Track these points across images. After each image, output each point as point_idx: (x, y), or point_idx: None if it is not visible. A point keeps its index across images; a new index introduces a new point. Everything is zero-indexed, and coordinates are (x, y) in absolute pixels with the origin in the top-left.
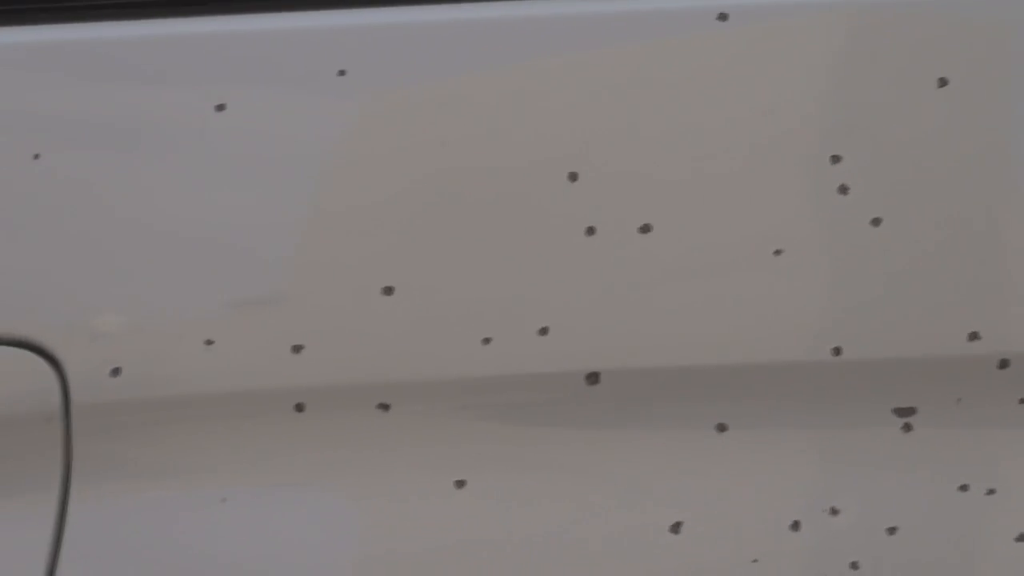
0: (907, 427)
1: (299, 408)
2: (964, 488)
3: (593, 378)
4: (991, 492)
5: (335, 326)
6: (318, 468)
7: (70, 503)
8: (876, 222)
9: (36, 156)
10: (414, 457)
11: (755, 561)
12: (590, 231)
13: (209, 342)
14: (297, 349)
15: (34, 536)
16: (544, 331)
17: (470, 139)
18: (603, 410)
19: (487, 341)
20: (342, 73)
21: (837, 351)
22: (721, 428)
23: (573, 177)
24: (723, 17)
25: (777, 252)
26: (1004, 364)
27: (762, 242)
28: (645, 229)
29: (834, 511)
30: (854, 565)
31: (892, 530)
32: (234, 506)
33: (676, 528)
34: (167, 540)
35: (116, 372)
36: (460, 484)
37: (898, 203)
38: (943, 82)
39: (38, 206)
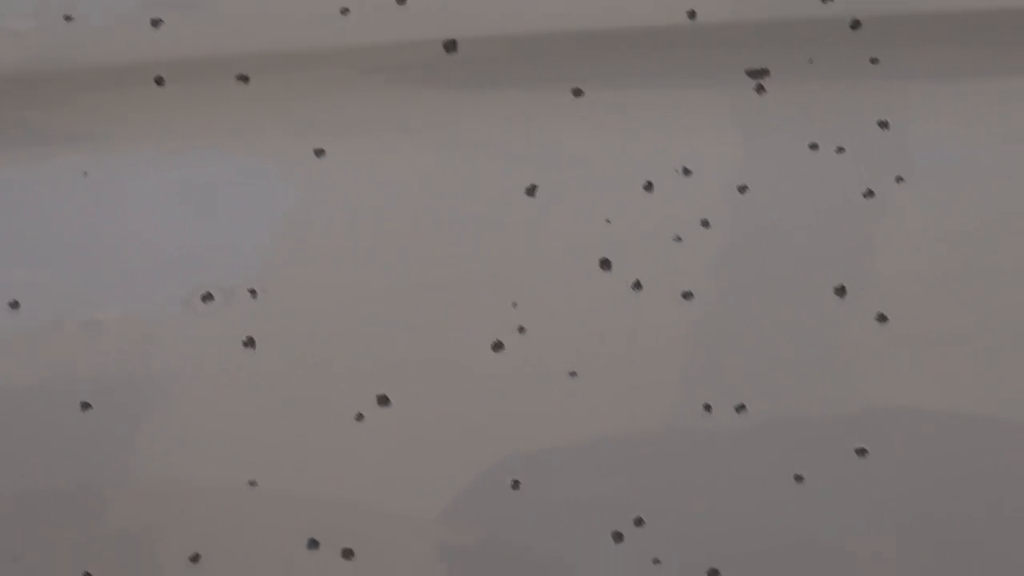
0: (760, 88)
1: (159, 82)
2: (814, 147)
3: (450, 45)
4: (840, 150)
5: None
6: (179, 141)
7: None
8: None
9: None
10: (274, 127)
11: (608, 221)
12: None
13: (68, 18)
14: (155, 23)
15: None
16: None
17: None
18: (460, 76)
19: (345, 11)
20: None
21: (691, 14)
22: (577, 92)
23: None
24: None
25: None
26: (856, 24)
27: None
28: None
29: (686, 171)
30: (705, 223)
31: (743, 189)
32: (96, 179)
33: (531, 191)
34: (27, 214)
35: None
36: (320, 152)
37: None
38: None
39: None
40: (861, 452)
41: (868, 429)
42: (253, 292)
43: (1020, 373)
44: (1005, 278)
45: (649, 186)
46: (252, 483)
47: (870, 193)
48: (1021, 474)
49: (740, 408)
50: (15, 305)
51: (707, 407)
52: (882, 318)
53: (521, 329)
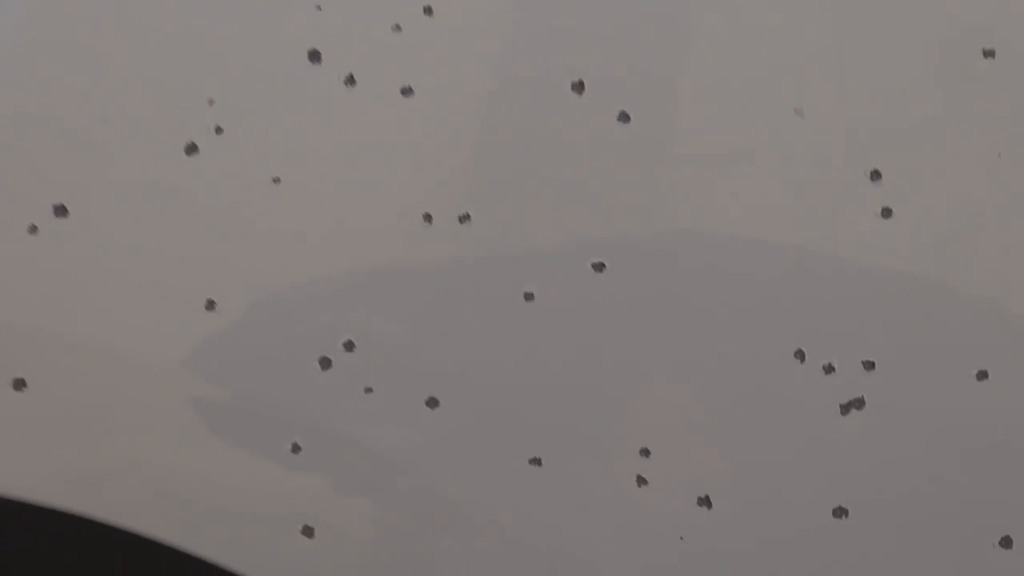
0: None
1: None
2: None
3: None
4: None
5: None
6: None
7: None
8: None
9: None
10: None
11: (319, 8)
12: None
13: None
14: None
15: None
16: None
17: None
18: None
19: None
20: None
21: None
22: None
23: None
24: None
25: None
26: None
27: None
28: None
29: None
30: (428, 10)
31: None
32: None
33: None
34: None
35: None
36: None
37: None
38: None
39: None
40: (599, 267)
41: (604, 243)
42: None
43: (780, 191)
44: (781, 91)
45: None
46: None
47: None
48: (757, 279)
49: (464, 219)
50: None
51: (427, 217)
52: (624, 117)
53: (218, 130)
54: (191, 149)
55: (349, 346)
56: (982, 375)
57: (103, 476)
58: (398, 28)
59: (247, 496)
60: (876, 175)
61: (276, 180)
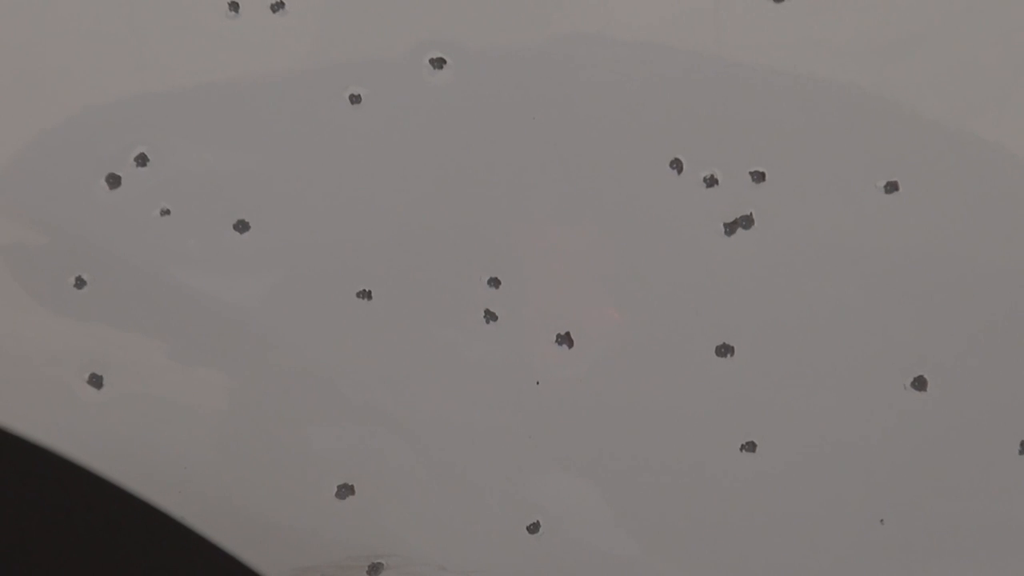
0: None
1: None
2: None
3: None
4: None
5: None
6: None
7: None
8: None
9: None
10: None
11: None
12: None
13: None
14: None
15: None
16: None
17: None
18: None
19: None
20: None
21: None
22: None
23: None
24: None
25: None
26: None
27: None
28: None
29: None
30: None
31: None
32: None
33: None
34: None
35: None
36: None
37: None
38: None
39: None
40: (438, 64)
41: (445, 41)
42: None
43: None
44: None
45: None
46: None
47: None
48: (625, 79)
49: (277, 7)
50: None
51: (232, 5)
52: None
53: None
54: None
55: (142, 160)
56: (891, 187)
57: None
58: None
59: (25, 345)
60: None
61: None
